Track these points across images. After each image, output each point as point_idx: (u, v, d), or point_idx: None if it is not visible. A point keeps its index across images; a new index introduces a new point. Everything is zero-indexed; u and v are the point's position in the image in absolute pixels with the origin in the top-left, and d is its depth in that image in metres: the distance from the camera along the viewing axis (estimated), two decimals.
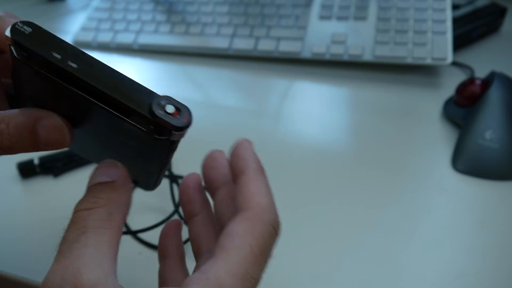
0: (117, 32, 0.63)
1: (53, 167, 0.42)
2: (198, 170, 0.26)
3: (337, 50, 0.54)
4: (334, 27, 0.56)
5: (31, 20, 0.18)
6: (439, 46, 0.51)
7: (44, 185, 0.42)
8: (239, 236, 0.18)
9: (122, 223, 0.20)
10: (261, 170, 0.21)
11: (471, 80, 0.45)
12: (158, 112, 0.18)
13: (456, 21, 0.55)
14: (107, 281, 0.17)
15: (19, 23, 0.18)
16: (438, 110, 0.48)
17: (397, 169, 0.42)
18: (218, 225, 0.24)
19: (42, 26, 0.18)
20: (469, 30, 0.56)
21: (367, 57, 0.53)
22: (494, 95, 0.42)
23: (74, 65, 0.18)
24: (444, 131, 0.45)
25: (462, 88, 0.45)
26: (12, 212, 0.40)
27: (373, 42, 0.53)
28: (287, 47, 0.56)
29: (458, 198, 0.38)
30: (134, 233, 0.37)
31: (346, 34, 0.55)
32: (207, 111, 0.51)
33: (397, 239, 0.35)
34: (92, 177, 0.21)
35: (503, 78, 0.44)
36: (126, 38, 0.62)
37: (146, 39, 0.61)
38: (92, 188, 0.20)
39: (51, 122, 0.21)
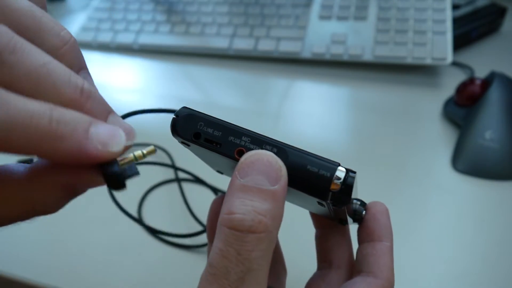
0: (117, 32, 0.63)
1: None
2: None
3: (337, 50, 0.54)
4: (334, 27, 0.56)
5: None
6: (439, 46, 0.51)
7: None
8: None
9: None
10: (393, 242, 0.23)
11: (471, 80, 0.45)
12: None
13: (456, 21, 0.55)
14: None
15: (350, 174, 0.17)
16: (438, 110, 0.48)
17: (397, 169, 0.42)
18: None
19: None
20: (469, 30, 0.56)
21: (367, 57, 0.53)
22: (494, 95, 0.42)
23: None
24: (444, 131, 0.45)
25: (462, 88, 0.45)
26: None
27: (373, 42, 0.53)
28: (287, 47, 0.56)
29: (458, 198, 0.38)
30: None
31: (346, 34, 0.55)
32: (207, 111, 0.51)
33: (397, 239, 0.35)
34: (247, 169, 0.16)
35: (503, 78, 0.44)
36: (126, 38, 0.62)
37: (146, 39, 0.61)
38: (250, 191, 0.16)
39: None
